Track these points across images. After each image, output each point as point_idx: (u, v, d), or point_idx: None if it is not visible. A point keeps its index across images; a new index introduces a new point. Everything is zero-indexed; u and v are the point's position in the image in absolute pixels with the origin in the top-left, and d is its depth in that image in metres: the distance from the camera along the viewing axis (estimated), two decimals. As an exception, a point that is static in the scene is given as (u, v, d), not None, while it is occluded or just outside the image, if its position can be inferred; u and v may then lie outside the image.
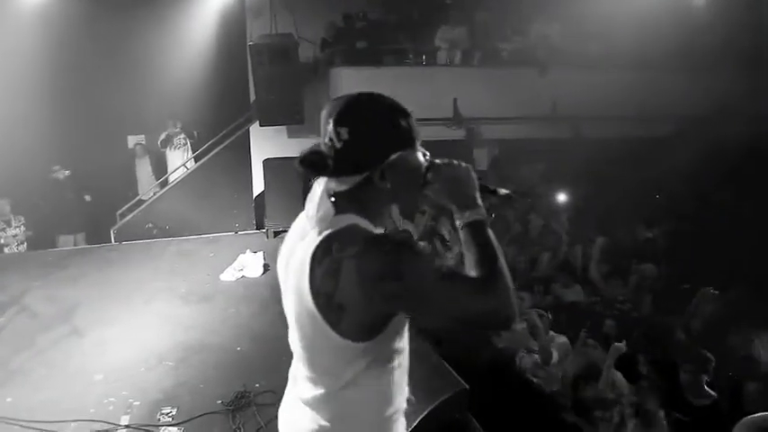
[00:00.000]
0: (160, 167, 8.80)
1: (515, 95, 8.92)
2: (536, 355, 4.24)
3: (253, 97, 8.17)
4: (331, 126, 1.33)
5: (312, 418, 1.45)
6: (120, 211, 7.78)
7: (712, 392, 3.50)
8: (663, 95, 8.98)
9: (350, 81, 8.40)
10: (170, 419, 3.39)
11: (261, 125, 7.89)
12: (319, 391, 1.42)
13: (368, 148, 1.34)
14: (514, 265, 5.86)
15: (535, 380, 4.14)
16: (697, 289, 4.44)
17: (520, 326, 4.32)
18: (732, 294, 4.42)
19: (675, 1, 9.15)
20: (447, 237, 5.98)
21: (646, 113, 9.13)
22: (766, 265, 5.17)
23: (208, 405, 3.50)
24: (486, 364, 4.04)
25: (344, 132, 1.31)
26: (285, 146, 8.20)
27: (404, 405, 1.52)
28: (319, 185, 1.37)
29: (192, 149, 8.54)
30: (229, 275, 5.97)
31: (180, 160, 8.47)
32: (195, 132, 8.58)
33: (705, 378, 3.52)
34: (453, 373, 3.20)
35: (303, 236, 1.40)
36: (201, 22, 8.22)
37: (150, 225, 7.62)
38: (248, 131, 8.25)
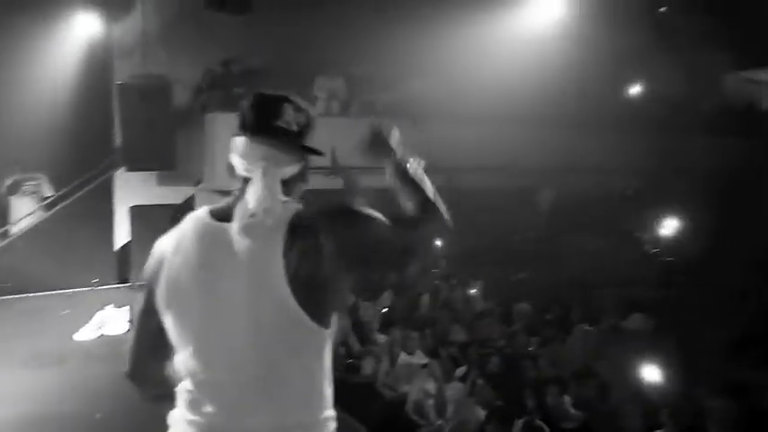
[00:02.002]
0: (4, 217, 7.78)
1: (391, 146, 9.18)
2: (431, 402, 4.17)
3: (119, 140, 7.59)
4: (291, 111, 1.41)
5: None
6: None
7: (578, 413, 3.65)
8: (525, 149, 9.77)
9: (226, 127, 8.14)
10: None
11: (127, 170, 7.32)
12: (284, 388, 1.37)
13: (311, 135, 1.48)
14: (395, 305, 5.87)
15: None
16: (572, 324, 4.70)
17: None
18: (603, 325, 4.73)
19: (538, 63, 10.08)
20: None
21: (511, 165, 9.84)
22: (617, 296, 5.75)
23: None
24: (379, 412, 3.88)
25: (303, 118, 1.43)
26: (154, 193, 7.68)
27: None
28: (259, 179, 1.37)
29: (46, 196, 7.66)
30: (87, 334, 5.32)
31: (28, 209, 7.54)
32: (46, 177, 7.71)
33: (569, 400, 3.67)
34: (348, 417, 3.01)
35: (216, 235, 1.38)
36: (61, 59, 7.55)
37: (-11, 282, 6.62)
38: (112, 177, 7.60)
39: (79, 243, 7.01)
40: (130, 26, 7.70)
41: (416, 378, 4.46)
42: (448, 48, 8.94)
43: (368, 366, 4.98)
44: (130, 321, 5.46)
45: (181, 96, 8.31)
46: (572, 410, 3.64)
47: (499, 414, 3.67)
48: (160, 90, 7.34)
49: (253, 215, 1.33)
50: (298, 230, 1.33)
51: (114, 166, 7.60)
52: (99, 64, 7.73)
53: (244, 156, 1.43)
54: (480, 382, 4.02)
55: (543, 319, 5.17)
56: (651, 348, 4.33)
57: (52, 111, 7.35)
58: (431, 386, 4.29)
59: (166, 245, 1.46)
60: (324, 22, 8.89)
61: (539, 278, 6.62)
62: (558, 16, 9.53)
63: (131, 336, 1.55)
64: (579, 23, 9.76)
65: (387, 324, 5.42)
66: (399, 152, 1.65)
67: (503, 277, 6.59)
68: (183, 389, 1.44)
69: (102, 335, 5.35)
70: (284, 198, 1.39)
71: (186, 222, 1.46)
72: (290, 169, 1.45)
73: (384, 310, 5.37)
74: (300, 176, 1.49)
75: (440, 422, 4.04)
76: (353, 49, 9.50)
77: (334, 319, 1.39)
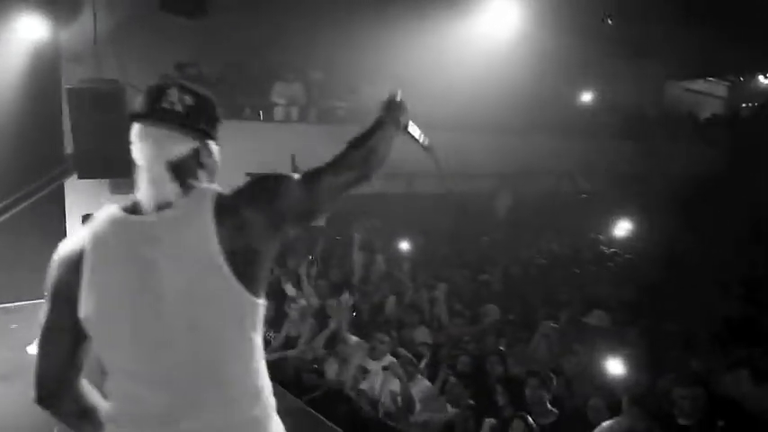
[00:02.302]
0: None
1: (351, 152, 9.17)
2: (399, 400, 4.16)
3: (70, 147, 7.30)
4: (176, 92, 1.43)
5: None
6: None
7: (555, 410, 3.72)
8: (484, 152, 9.96)
9: (182, 133, 7.96)
10: None
11: (79, 177, 7.03)
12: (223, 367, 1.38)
13: (206, 117, 1.48)
14: (360, 308, 5.87)
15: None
16: (536, 323, 4.80)
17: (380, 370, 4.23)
18: (565, 323, 4.84)
19: (492, 70, 10.29)
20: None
21: (468, 170, 10.00)
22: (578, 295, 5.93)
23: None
24: (346, 410, 3.84)
25: (190, 99, 1.44)
26: (106, 201, 7.39)
27: None
28: (145, 162, 1.41)
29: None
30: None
31: (-30, 219, 7.16)
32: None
33: (547, 396, 3.74)
34: (322, 417, 2.97)
35: (136, 228, 1.37)
36: (5, 63, 7.22)
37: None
38: (62, 185, 7.30)
39: (28, 254, 6.67)
40: (80, 29, 7.42)
41: (383, 380, 4.45)
42: (405, 54, 9.03)
43: (331, 370, 4.94)
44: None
45: (134, 101, 8.08)
46: (549, 406, 3.69)
47: (471, 411, 3.69)
48: (112, 95, 7.06)
49: (169, 205, 1.37)
50: (223, 210, 1.36)
51: (65, 174, 7.30)
52: (47, 68, 7.42)
53: (134, 142, 1.44)
54: (452, 380, 4.05)
55: (508, 319, 5.25)
56: (613, 343, 4.48)
57: (-3, 116, 7.03)
58: (395, 386, 4.28)
59: (74, 251, 1.42)
60: (281, 26, 8.84)
61: (501, 279, 6.72)
62: (511, 25, 9.79)
63: (38, 355, 1.45)
64: (532, 32, 10.04)
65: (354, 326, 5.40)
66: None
67: (466, 279, 6.65)
68: (116, 395, 1.42)
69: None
70: (200, 183, 1.44)
71: (97, 223, 1.43)
72: (177, 149, 1.42)
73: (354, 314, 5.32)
74: (194, 158, 1.45)
75: (410, 420, 4.03)
76: (311, 55, 9.49)
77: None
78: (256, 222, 1.37)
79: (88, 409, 1.49)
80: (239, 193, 1.42)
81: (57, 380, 1.46)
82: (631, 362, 3.98)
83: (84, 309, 1.37)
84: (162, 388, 1.35)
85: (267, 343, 5.47)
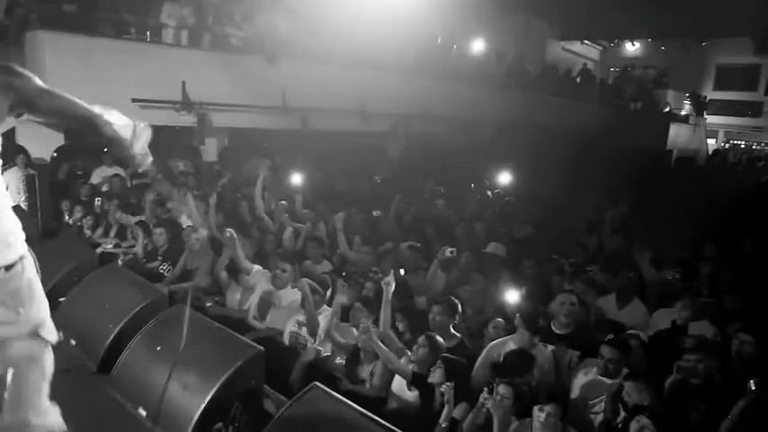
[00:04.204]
0: None
1: (246, 83, 8.78)
2: (304, 327, 4.23)
3: None
4: None
5: None
6: None
7: (458, 334, 3.99)
8: (380, 93, 9.99)
9: (54, 48, 7.11)
10: None
11: None
12: None
13: None
14: (263, 243, 5.79)
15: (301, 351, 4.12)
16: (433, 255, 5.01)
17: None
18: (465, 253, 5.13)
19: (385, 13, 10.22)
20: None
21: (366, 109, 10.02)
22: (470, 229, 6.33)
23: None
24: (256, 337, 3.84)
25: None
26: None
27: None
28: None
29: None
30: None
31: None
32: None
33: (453, 322, 3.99)
34: (242, 338, 2.96)
35: None
36: None
37: None
38: None
39: None
40: None
41: (289, 311, 4.48)
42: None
43: (233, 299, 4.89)
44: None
45: (-8, 9, 7.07)
46: (453, 330, 3.91)
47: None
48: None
49: None
50: None
51: None
52: None
53: None
54: (357, 305, 4.16)
55: (409, 245, 5.41)
56: (507, 271, 4.87)
57: None
58: (301, 317, 4.34)
59: None
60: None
61: (394, 216, 6.93)
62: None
63: None
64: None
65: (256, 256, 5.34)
66: None
67: (360, 214, 6.77)
68: None
69: None
70: None
71: None
72: None
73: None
74: None
75: (314, 345, 4.11)
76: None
77: None
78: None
79: None
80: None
81: None
82: (524, 288, 4.37)
83: None
84: None
85: (161, 277, 5.25)
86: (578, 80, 17.99)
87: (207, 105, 8.36)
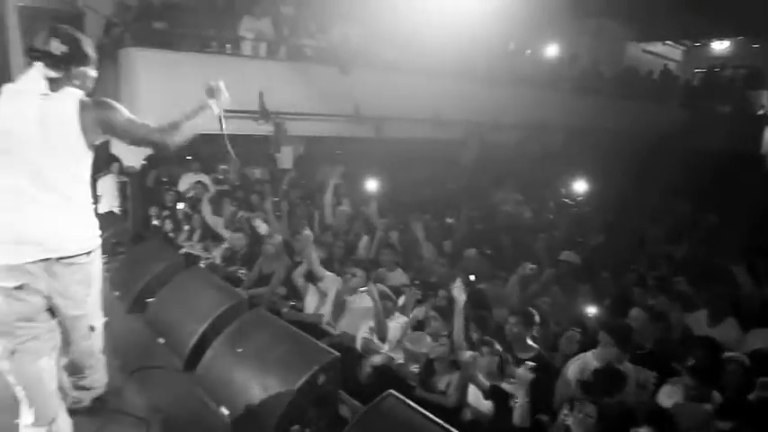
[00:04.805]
0: None
1: (320, 93, 8.98)
2: (375, 334, 4.25)
3: (19, 70, 6.81)
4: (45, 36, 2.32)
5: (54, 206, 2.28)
6: None
7: (535, 345, 3.87)
8: (453, 101, 9.94)
9: (145, 63, 7.56)
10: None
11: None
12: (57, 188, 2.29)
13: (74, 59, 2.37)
14: (333, 248, 5.86)
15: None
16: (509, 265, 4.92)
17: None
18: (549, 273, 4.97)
19: (456, 20, 10.16)
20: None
21: (439, 117, 10.00)
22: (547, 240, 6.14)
23: None
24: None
25: (58, 43, 2.32)
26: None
27: None
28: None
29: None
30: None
31: None
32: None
33: (530, 333, 3.88)
34: (319, 343, 3.01)
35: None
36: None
37: None
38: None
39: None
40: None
41: (361, 317, 4.51)
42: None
43: (310, 305, 4.97)
44: None
45: (92, 27, 7.59)
46: (530, 342, 3.82)
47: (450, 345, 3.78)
48: (70, 18, 6.63)
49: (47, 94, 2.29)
50: (84, 104, 2.31)
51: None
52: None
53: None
54: (432, 314, 4.14)
55: (484, 254, 5.33)
56: (583, 282, 4.69)
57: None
58: (373, 323, 4.35)
59: None
60: (252, -44, 8.42)
61: (467, 224, 6.85)
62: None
63: None
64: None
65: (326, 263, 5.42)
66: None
67: (434, 222, 6.74)
68: None
69: None
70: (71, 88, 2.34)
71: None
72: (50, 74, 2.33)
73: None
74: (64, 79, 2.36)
75: (387, 352, 4.12)
76: (282, -11, 9.12)
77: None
78: (96, 119, 2.31)
79: None
80: (92, 100, 2.33)
81: None
82: (606, 301, 4.20)
83: None
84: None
85: (239, 281, 5.45)
86: (658, 82, 17.16)
87: (283, 114, 8.62)
